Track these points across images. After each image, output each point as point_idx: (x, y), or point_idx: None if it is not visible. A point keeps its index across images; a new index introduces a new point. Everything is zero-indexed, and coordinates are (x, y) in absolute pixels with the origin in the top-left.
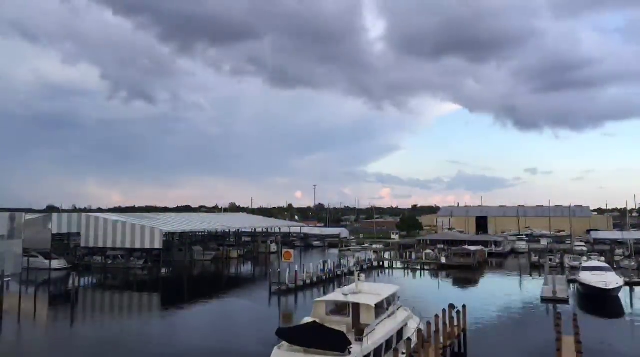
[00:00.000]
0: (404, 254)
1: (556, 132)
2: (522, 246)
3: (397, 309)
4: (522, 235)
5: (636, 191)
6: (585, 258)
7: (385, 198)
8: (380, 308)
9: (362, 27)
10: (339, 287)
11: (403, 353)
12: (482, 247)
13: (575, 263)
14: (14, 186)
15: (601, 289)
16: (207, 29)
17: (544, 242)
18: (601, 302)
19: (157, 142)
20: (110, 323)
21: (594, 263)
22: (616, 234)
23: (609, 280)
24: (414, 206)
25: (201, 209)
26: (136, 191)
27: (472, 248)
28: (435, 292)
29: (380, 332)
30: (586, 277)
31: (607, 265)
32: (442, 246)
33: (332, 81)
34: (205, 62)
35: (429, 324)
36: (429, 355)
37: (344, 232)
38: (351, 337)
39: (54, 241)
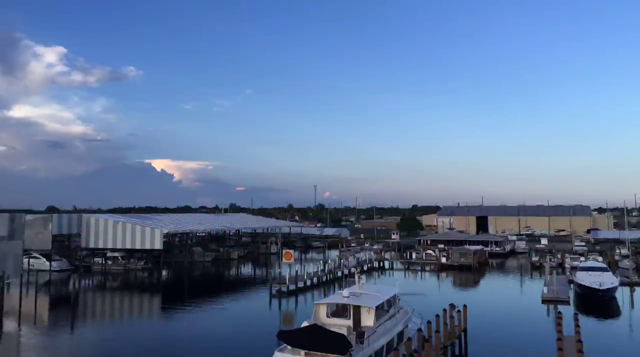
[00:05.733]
0: (405, 254)
1: None
2: (522, 245)
3: (398, 311)
4: (522, 235)
5: (636, 189)
6: (583, 258)
7: None
8: (381, 310)
9: None
10: (340, 289)
11: (404, 355)
12: (483, 247)
13: (576, 263)
14: (14, 186)
15: (596, 289)
16: None
17: (544, 242)
18: (597, 302)
19: None
20: (110, 327)
21: (590, 263)
22: (616, 234)
23: (604, 280)
24: (415, 206)
25: (201, 209)
26: None
27: (473, 248)
28: (435, 292)
29: (381, 334)
30: (582, 277)
31: (604, 265)
32: (442, 245)
33: None
34: None
35: (429, 323)
36: (430, 354)
37: (344, 233)
38: (352, 339)
39: (54, 242)
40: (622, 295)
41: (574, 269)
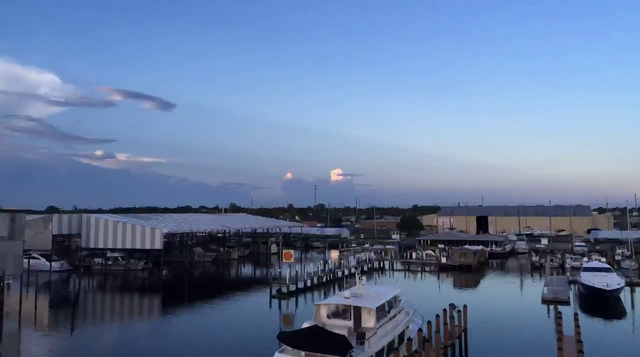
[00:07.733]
0: (405, 254)
1: None
2: (523, 245)
3: (399, 312)
4: (522, 235)
5: (637, 189)
6: (585, 258)
7: None
8: (382, 311)
9: None
10: (340, 289)
11: (404, 355)
12: (483, 247)
13: (576, 264)
14: (14, 186)
15: (603, 290)
16: None
17: (544, 242)
18: (603, 303)
19: None
20: (110, 328)
21: (595, 264)
22: (617, 234)
23: (611, 281)
24: (415, 206)
25: (201, 209)
26: None
27: (473, 248)
28: (436, 292)
29: (381, 335)
30: (588, 278)
31: (608, 266)
32: (442, 245)
33: None
34: None
35: (429, 323)
36: (430, 355)
37: (344, 233)
38: (352, 341)
39: (54, 242)
40: (624, 295)
41: (574, 269)
